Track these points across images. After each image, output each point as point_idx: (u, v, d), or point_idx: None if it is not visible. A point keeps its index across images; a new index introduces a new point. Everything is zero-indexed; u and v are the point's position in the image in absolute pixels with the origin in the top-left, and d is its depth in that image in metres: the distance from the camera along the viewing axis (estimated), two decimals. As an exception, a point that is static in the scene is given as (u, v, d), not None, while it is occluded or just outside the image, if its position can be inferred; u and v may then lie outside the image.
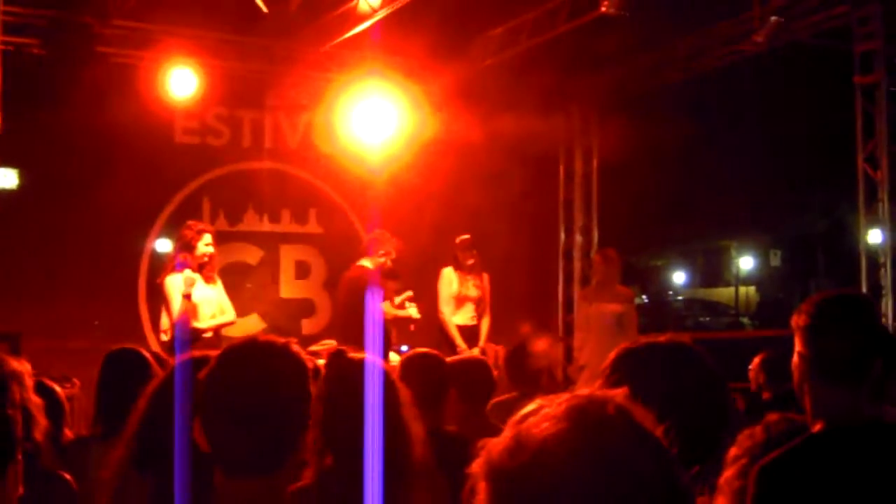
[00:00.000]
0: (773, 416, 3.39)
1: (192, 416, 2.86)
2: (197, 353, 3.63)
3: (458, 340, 11.22)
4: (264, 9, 11.13)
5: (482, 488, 1.53)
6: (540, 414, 1.54)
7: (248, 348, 2.88)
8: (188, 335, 9.35)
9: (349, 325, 9.90)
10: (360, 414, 3.40)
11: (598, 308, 11.56)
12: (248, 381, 2.78)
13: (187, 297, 9.48)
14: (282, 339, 2.90)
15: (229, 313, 9.95)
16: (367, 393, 3.45)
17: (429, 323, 11.62)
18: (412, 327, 11.01)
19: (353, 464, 3.28)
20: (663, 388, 2.62)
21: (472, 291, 11.50)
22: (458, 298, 11.46)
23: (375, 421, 3.33)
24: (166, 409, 3.35)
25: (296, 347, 2.88)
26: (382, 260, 10.76)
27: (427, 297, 11.71)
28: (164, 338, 9.68)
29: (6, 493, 2.46)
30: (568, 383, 11.28)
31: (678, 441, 1.60)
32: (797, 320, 3.38)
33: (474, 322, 11.55)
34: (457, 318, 11.43)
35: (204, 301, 9.68)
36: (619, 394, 1.58)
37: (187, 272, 9.57)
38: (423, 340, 11.74)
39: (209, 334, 9.59)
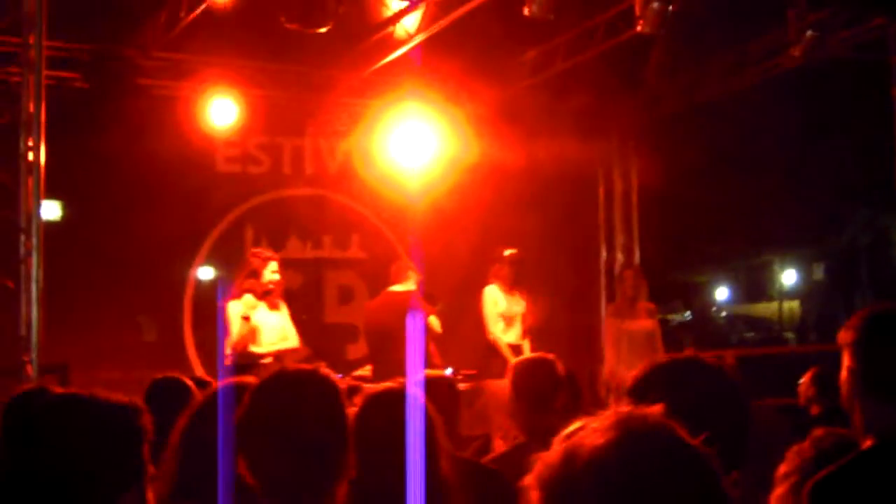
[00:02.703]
0: (819, 432, 3.38)
1: (235, 452, 2.92)
2: (234, 379, 3.68)
3: (512, 360, 10.88)
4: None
5: (535, 498, 1.59)
6: (588, 428, 1.61)
7: (279, 380, 2.95)
8: (246, 359, 9.42)
9: (392, 348, 9.89)
10: (398, 444, 3.42)
11: (631, 325, 11.58)
12: (284, 412, 2.85)
13: (246, 319, 9.55)
14: (309, 366, 2.97)
15: (293, 339, 9.99)
16: (406, 424, 3.46)
17: (472, 344, 11.64)
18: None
19: (384, 489, 3.30)
20: (685, 401, 2.66)
21: (519, 308, 11.36)
22: (506, 316, 11.28)
23: (414, 448, 3.35)
24: (202, 439, 3.40)
25: (325, 371, 2.93)
26: (414, 286, 10.71)
27: (466, 320, 11.72)
28: (227, 362, 9.71)
29: None
30: (597, 401, 11.31)
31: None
32: (845, 336, 3.35)
33: (520, 341, 11.33)
34: (507, 336, 11.19)
35: (266, 326, 9.74)
36: (657, 409, 1.65)
37: (248, 297, 9.64)
38: (469, 362, 11.79)
39: (269, 360, 9.62)
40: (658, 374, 2.91)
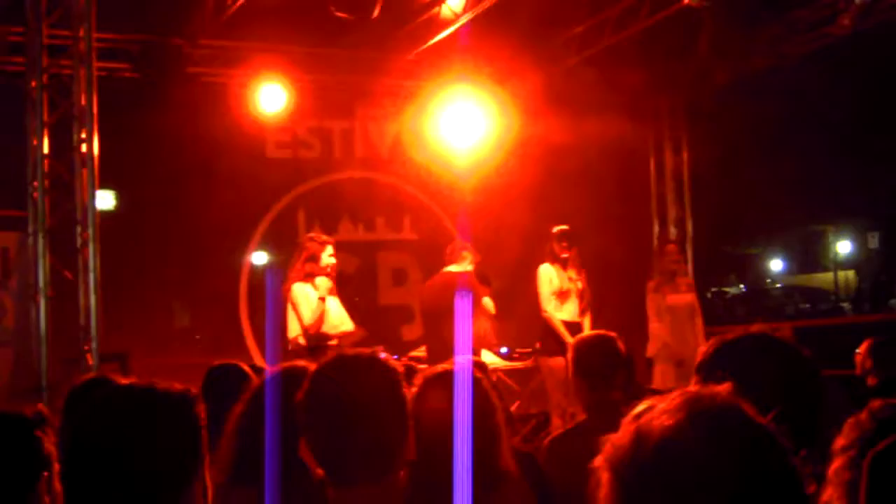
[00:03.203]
0: (876, 403, 3.35)
1: (295, 437, 2.95)
2: (287, 364, 3.71)
3: (567, 337, 10.36)
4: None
5: (607, 480, 1.62)
6: (656, 409, 1.63)
7: (338, 364, 2.98)
8: (318, 341, 9.44)
9: (446, 328, 9.90)
10: (451, 423, 3.43)
11: (673, 299, 11.55)
12: (344, 396, 2.87)
13: (323, 300, 9.58)
14: (367, 350, 3.00)
15: (348, 323, 10.01)
16: (457, 403, 3.48)
17: (526, 322, 11.65)
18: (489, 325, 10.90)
19: (443, 473, 3.32)
20: (757, 378, 2.65)
21: (573, 284, 11.23)
22: (560, 293, 11.14)
23: (465, 430, 3.37)
24: (258, 425, 3.43)
25: (383, 356, 2.97)
26: (470, 267, 10.67)
27: (520, 299, 11.72)
28: (292, 346, 9.68)
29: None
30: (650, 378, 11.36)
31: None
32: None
33: (579, 319, 11.11)
34: (562, 313, 11.00)
35: (329, 310, 9.76)
36: (725, 388, 1.66)
37: (323, 279, 9.66)
38: (524, 340, 11.81)
39: (335, 342, 9.64)
40: (727, 351, 2.91)
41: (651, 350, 11.71)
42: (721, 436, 1.58)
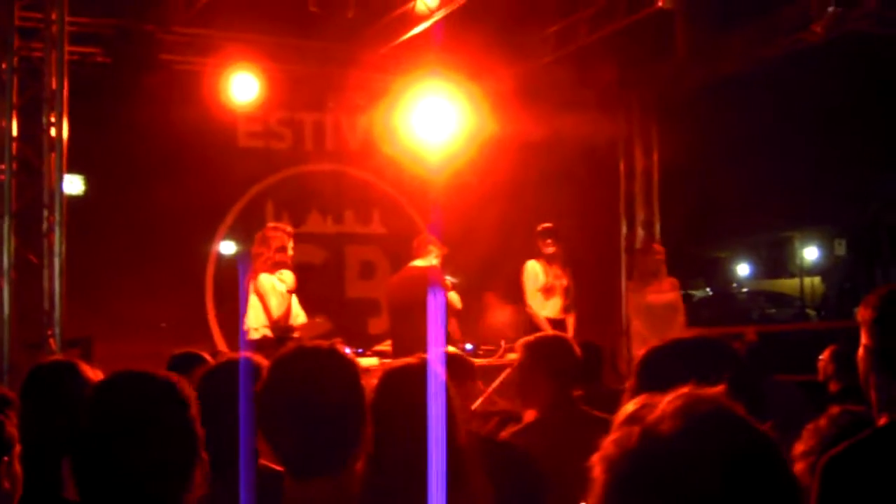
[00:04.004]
0: (834, 409, 3.37)
1: (253, 428, 2.95)
2: (234, 355, 3.70)
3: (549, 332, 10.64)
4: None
5: (605, 482, 1.60)
6: (658, 411, 1.62)
7: (298, 356, 2.98)
8: (285, 332, 9.42)
9: (412, 323, 9.91)
10: (416, 419, 3.42)
11: (655, 298, 11.61)
12: (303, 388, 2.89)
13: (291, 292, 9.56)
14: (326, 343, 2.99)
15: (303, 316, 10.00)
16: (428, 399, 3.46)
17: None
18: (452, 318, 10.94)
19: (400, 467, 3.32)
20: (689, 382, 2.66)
21: (558, 281, 11.35)
22: (546, 289, 11.28)
23: (439, 426, 3.36)
24: (206, 414, 3.42)
25: (341, 349, 2.97)
26: (436, 261, 10.70)
27: (491, 293, 11.74)
28: (255, 335, 9.64)
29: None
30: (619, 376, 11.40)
31: None
32: (863, 313, 3.33)
33: (563, 316, 11.34)
34: (546, 310, 11.22)
35: (293, 302, 9.76)
36: (720, 391, 1.66)
37: (287, 272, 9.64)
38: (491, 339, 11.82)
39: (297, 334, 9.62)
40: (659, 357, 2.91)
41: (636, 350, 11.78)
42: (723, 439, 1.58)
